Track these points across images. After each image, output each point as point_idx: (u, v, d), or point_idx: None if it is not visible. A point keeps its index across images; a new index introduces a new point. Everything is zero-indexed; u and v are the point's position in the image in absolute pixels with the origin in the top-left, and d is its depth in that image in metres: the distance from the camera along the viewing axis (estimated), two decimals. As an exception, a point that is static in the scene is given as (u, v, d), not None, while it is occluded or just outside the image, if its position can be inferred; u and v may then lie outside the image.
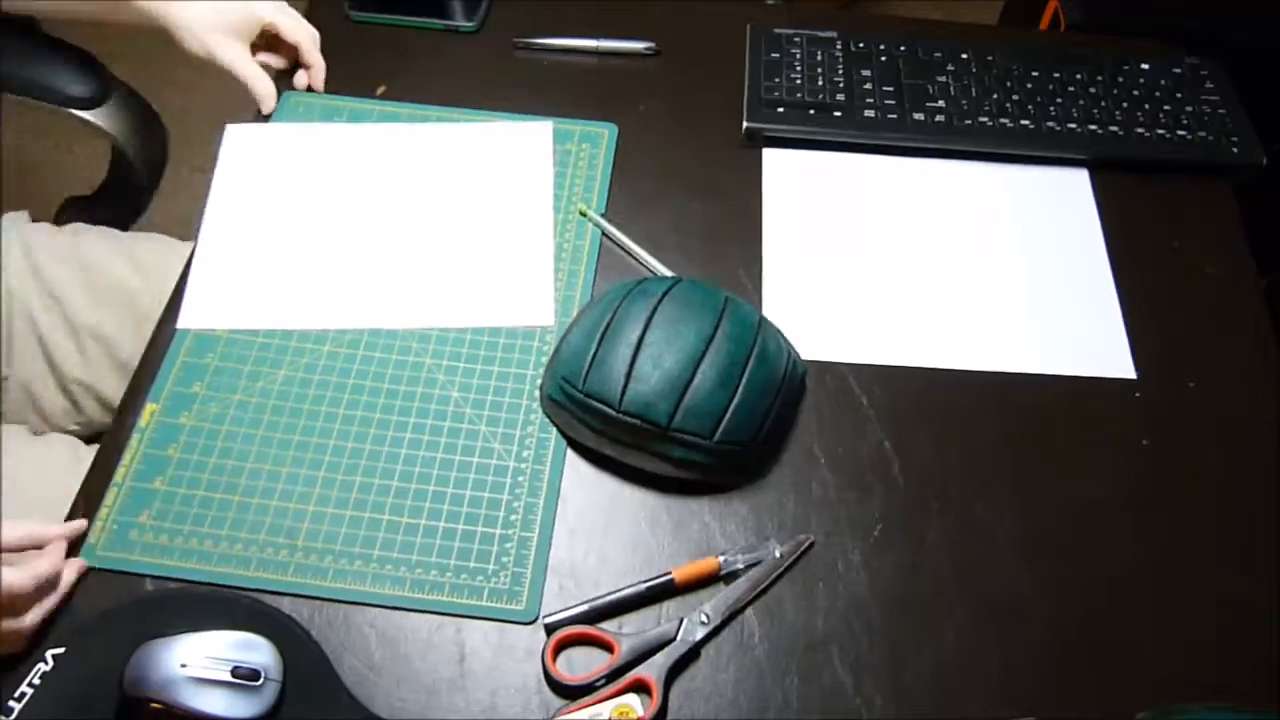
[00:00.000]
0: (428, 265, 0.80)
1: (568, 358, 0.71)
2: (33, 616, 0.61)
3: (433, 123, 0.88)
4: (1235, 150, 0.88)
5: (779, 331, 0.75)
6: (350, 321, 0.77)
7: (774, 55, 0.93)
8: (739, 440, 0.69)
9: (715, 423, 0.68)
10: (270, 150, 0.86)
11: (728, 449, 0.68)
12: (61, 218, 1.01)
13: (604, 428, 0.69)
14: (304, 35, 0.90)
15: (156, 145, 0.99)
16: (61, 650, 0.61)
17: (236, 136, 0.88)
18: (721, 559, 0.67)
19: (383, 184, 0.84)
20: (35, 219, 0.95)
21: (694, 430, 0.67)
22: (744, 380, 0.68)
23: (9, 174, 1.74)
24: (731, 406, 0.68)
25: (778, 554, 0.68)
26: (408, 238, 0.81)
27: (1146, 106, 0.91)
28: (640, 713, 0.61)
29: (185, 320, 0.77)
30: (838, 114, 0.89)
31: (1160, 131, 0.89)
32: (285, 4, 0.89)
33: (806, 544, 0.69)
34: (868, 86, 0.91)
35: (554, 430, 0.72)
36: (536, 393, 0.74)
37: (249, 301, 0.78)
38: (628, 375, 0.68)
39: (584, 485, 0.71)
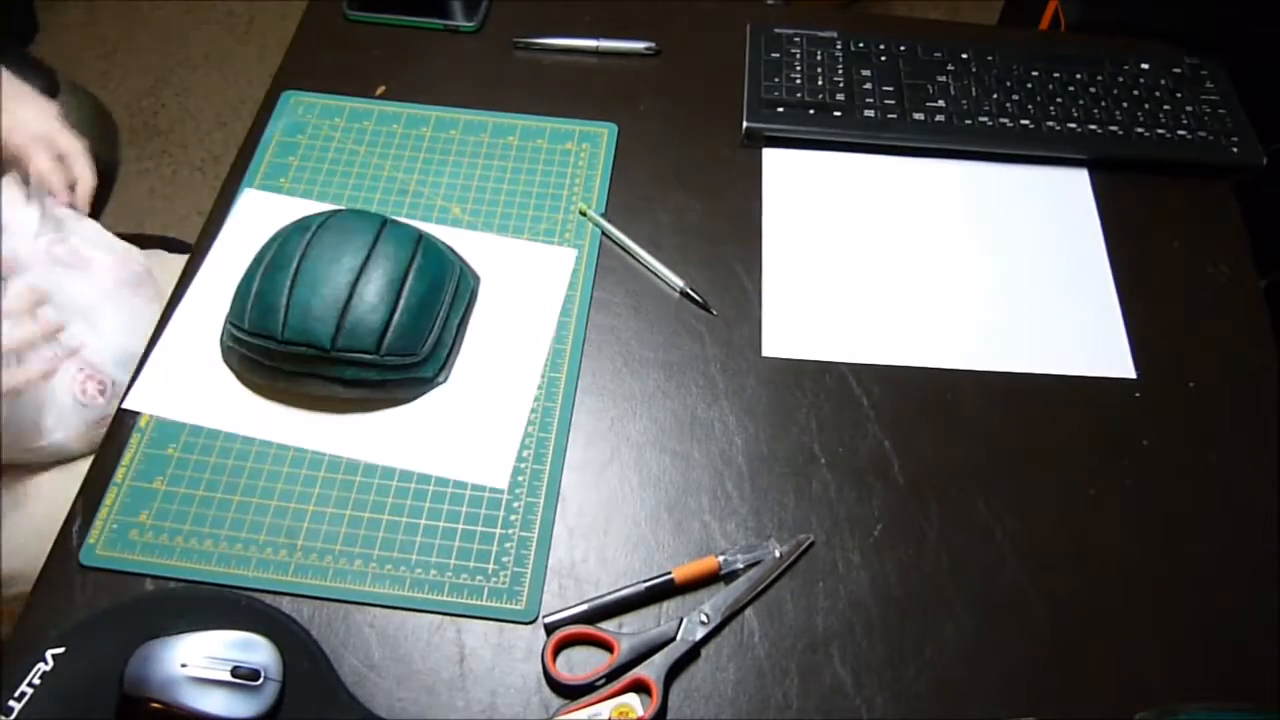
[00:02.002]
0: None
1: (233, 301, 0.73)
2: None
3: (463, 229, 0.82)
4: (1235, 150, 0.88)
5: (446, 246, 0.78)
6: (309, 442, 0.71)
7: (774, 55, 0.93)
8: (407, 352, 0.71)
9: (379, 338, 0.70)
10: (279, 224, 0.77)
11: (396, 361, 0.71)
12: None
13: (272, 362, 0.71)
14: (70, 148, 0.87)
15: (109, 141, 0.98)
16: (61, 650, 0.61)
17: (250, 202, 0.83)
18: (721, 559, 0.67)
19: None
20: None
21: (359, 348, 0.69)
22: (404, 295, 0.71)
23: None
24: (394, 321, 0.70)
25: (778, 554, 0.68)
26: None
27: (1146, 106, 0.91)
28: (640, 712, 0.61)
29: (132, 401, 0.72)
30: (838, 114, 0.89)
31: (1160, 131, 0.89)
32: (60, 123, 0.86)
33: (806, 544, 0.69)
34: (868, 86, 0.91)
35: (554, 430, 0.72)
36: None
37: (209, 395, 0.73)
38: (287, 305, 0.69)
39: (584, 485, 0.71)
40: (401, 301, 0.71)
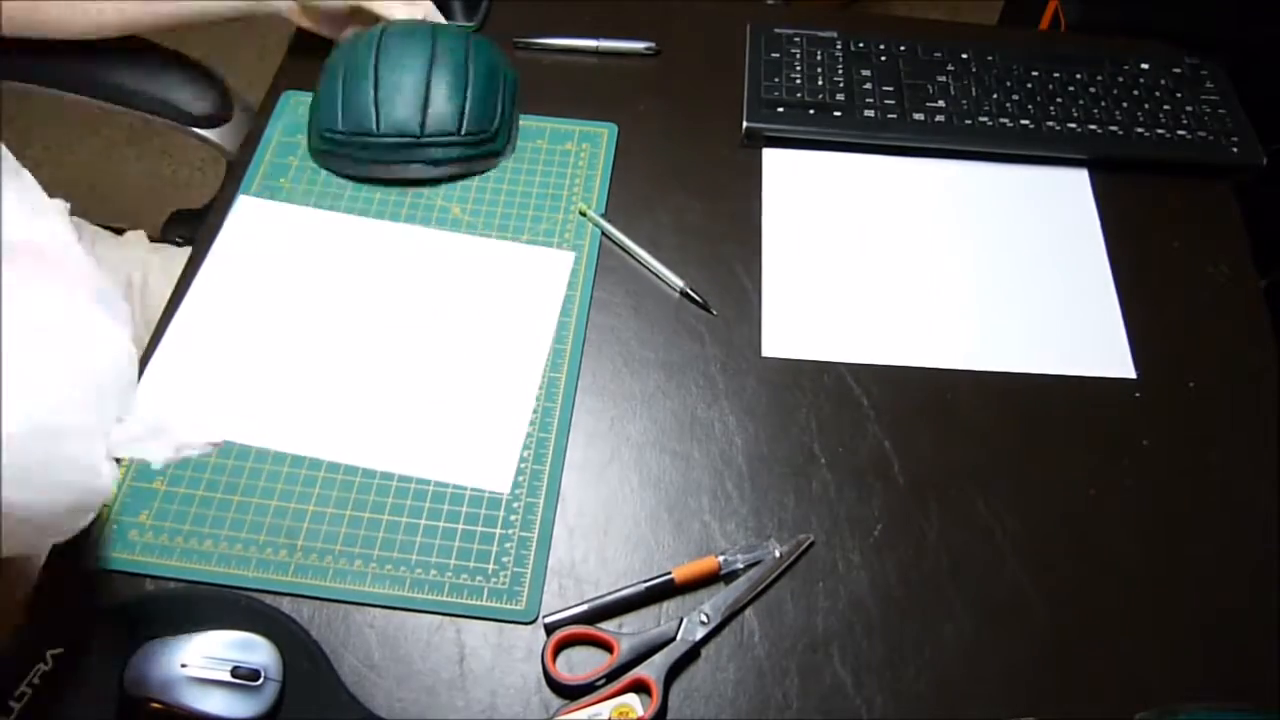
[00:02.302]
0: (417, 390, 0.74)
1: (321, 114, 0.84)
2: None
3: (454, 232, 0.82)
4: (1235, 150, 0.88)
5: (489, 40, 0.89)
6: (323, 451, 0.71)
7: (774, 55, 0.93)
8: (483, 129, 0.84)
9: (459, 119, 0.82)
10: (275, 232, 0.80)
11: (474, 139, 0.84)
12: (167, 232, 1.04)
13: (370, 154, 0.83)
14: None
15: None
16: (61, 650, 0.61)
17: (246, 209, 0.83)
18: (721, 559, 0.67)
19: (384, 289, 0.79)
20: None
21: (444, 130, 0.82)
22: (470, 83, 0.83)
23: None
24: (468, 105, 0.83)
25: (778, 554, 0.68)
26: (397, 348, 0.76)
27: (1146, 106, 0.91)
28: (640, 712, 0.61)
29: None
30: (838, 114, 0.89)
31: (1160, 131, 0.89)
32: None
33: (806, 544, 0.69)
34: (868, 86, 0.91)
35: (554, 430, 0.72)
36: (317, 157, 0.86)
37: (209, 408, 0.72)
38: (376, 104, 0.81)
39: (584, 485, 0.71)
40: (469, 89, 0.82)
